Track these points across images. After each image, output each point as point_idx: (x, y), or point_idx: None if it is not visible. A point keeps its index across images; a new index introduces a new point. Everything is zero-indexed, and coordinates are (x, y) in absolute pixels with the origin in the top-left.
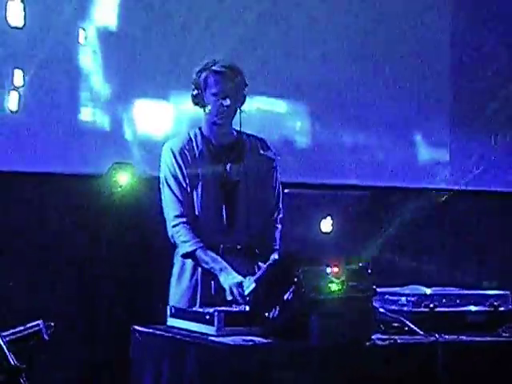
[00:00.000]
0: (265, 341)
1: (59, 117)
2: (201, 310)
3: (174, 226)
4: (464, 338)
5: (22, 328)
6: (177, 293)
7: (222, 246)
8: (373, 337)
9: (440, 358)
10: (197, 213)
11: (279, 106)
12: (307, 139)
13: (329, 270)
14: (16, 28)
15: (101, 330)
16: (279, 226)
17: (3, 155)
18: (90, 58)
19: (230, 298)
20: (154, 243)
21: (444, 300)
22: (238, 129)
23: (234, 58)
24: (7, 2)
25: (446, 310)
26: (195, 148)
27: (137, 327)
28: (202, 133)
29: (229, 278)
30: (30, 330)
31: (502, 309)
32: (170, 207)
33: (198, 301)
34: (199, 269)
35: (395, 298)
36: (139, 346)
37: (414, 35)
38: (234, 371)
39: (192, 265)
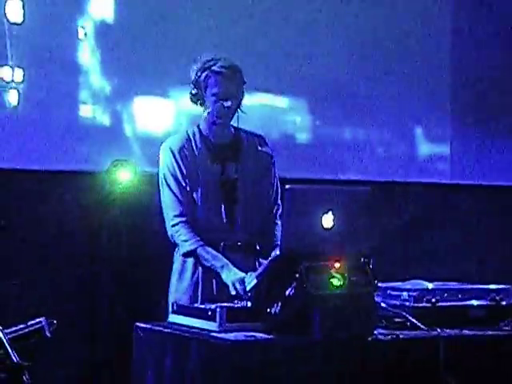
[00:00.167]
0: (267, 336)
1: (59, 114)
2: (203, 306)
3: (173, 226)
4: (466, 332)
5: (24, 325)
6: (178, 290)
7: (222, 243)
8: (375, 332)
9: (442, 352)
10: (197, 211)
11: (279, 101)
12: (308, 135)
13: (330, 265)
14: (15, 24)
15: (101, 328)
16: (279, 222)
17: (2, 152)
18: (89, 55)
19: (233, 292)
20: (155, 240)
21: (446, 295)
22: (236, 125)
23: (234, 54)
24: (6, 1)
25: (448, 304)
26: (194, 147)
27: (139, 324)
28: (200, 131)
29: (231, 275)
30: (32, 328)
31: (503, 303)
32: (170, 207)
33: (200, 298)
34: (200, 267)
35: (397, 292)
36: (141, 343)
37: (414, 31)
38: (236, 367)
39: (193, 263)
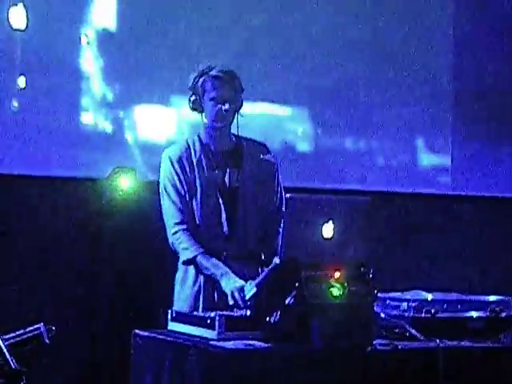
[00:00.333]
0: (266, 345)
1: (61, 120)
2: (202, 314)
3: (173, 234)
4: (465, 343)
5: (22, 331)
6: (180, 298)
7: (224, 252)
8: (374, 342)
9: (441, 363)
10: (197, 220)
11: (280, 110)
12: (308, 144)
13: (330, 274)
14: (18, 30)
15: (101, 333)
16: (281, 230)
17: (3, 158)
18: (92, 62)
19: (231, 302)
20: (155, 247)
21: (445, 306)
22: (237, 133)
23: (235, 62)
24: (9, 8)
25: (447, 315)
26: (193, 155)
27: (138, 331)
28: (200, 140)
29: (230, 283)
30: (30, 334)
31: (503, 315)
32: (170, 215)
33: (201, 307)
34: (201, 275)
35: (396, 303)
36: (140, 350)
37: (415, 40)
38: (235, 375)
39: (195, 271)
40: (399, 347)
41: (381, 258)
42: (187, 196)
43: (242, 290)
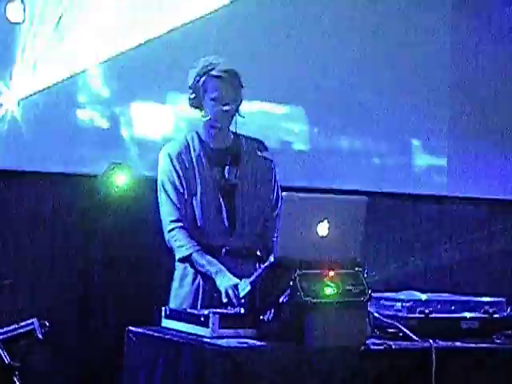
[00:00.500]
0: (259, 343)
1: (57, 117)
2: (196, 311)
3: (169, 231)
4: (458, 344)
5: (16, 326)
6: (178, 296)
7: (223, 248)
8: (367, 342)
9: (434, 363)
10: (198, 216)
11: (277, 109)
12: (305, 143)
13: (324, 273)
14: (16, 24)
15: (97, 331)
16: (277, 228)
17: (0, 154)
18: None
19: (225, 300)
20: (151, 244)
21: (439, 306)
22: (235, 131)
23: (233, 61)
24: (7, 3)
25: (441, 316)
26: (192, 152)
27: (131, 328)
28: (199, 136)
29: (224, 280)
30: (23, 329)
31: (496, 315)
32: (167, 212)
33: (199, 305)
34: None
35: (390, 303)
36: (133, 347)
37: (413, 42)
38: (228, 373)
39: (194, 269)
40: (392, 347)
41: (376, 258)
42: (186, 193)
43: (236, 287)
